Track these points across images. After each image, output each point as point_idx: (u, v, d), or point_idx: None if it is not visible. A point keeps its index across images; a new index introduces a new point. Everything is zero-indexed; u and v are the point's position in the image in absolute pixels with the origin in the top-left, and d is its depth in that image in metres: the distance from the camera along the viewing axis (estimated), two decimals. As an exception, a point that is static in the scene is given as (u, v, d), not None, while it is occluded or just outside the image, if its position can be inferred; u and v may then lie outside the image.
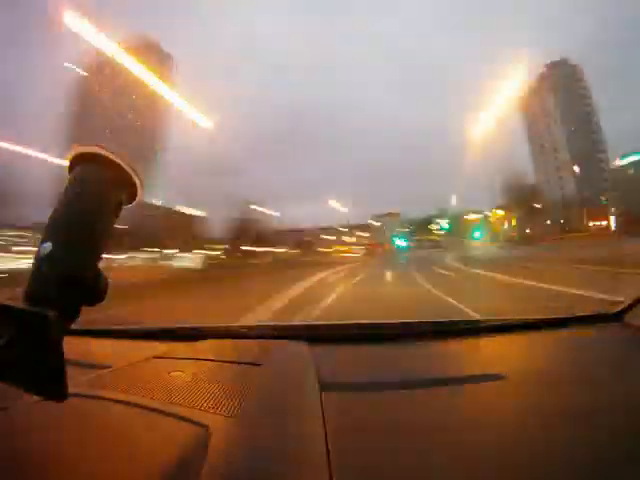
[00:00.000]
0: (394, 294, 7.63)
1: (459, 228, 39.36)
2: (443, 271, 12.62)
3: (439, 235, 42.11)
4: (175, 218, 37.76)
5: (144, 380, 0.77)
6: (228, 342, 1.23)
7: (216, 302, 6.95)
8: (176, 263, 29.88)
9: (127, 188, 0.52)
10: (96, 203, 0.48)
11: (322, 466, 0.50)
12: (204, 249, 34.75)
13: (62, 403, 0.42)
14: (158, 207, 35.54)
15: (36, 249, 0.46)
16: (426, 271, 12.46)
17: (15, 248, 26.09)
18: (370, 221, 47.49)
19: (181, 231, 35.46)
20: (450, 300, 5.57)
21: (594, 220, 35.23)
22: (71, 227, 0.46)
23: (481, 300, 5.65)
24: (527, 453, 0.53)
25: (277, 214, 40.87)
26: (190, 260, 30.45)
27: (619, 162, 36.26)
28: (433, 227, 43.14)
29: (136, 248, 27.81)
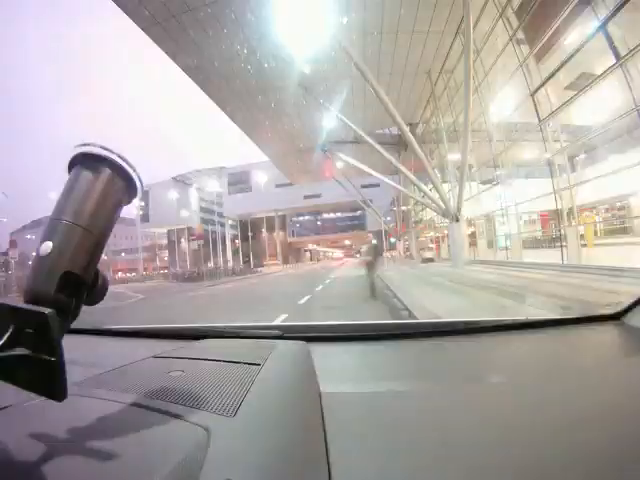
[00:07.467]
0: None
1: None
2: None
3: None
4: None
5: (144, 380, 0.77)
6: (228, 342, 1.23)
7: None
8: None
9: (127, 187, 0.52)
10: (96, 203, 0.48)
11: (322, 466, 0.50)
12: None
13: (62, 403, 0.42)
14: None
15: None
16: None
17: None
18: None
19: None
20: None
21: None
22: (71, 227, 0.46)
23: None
24: (527, 454, 0.53)
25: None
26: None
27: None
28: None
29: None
